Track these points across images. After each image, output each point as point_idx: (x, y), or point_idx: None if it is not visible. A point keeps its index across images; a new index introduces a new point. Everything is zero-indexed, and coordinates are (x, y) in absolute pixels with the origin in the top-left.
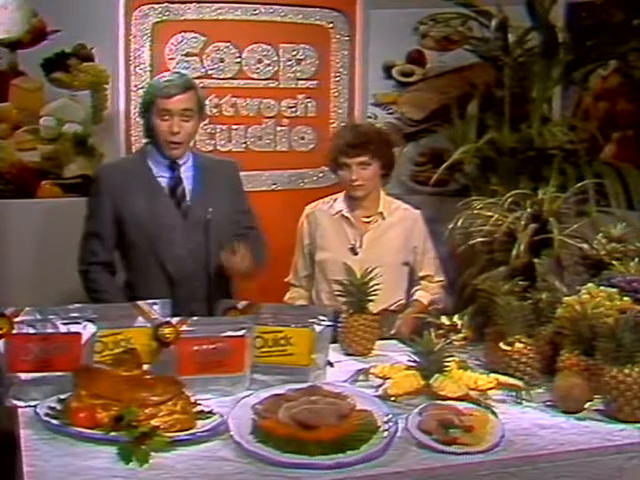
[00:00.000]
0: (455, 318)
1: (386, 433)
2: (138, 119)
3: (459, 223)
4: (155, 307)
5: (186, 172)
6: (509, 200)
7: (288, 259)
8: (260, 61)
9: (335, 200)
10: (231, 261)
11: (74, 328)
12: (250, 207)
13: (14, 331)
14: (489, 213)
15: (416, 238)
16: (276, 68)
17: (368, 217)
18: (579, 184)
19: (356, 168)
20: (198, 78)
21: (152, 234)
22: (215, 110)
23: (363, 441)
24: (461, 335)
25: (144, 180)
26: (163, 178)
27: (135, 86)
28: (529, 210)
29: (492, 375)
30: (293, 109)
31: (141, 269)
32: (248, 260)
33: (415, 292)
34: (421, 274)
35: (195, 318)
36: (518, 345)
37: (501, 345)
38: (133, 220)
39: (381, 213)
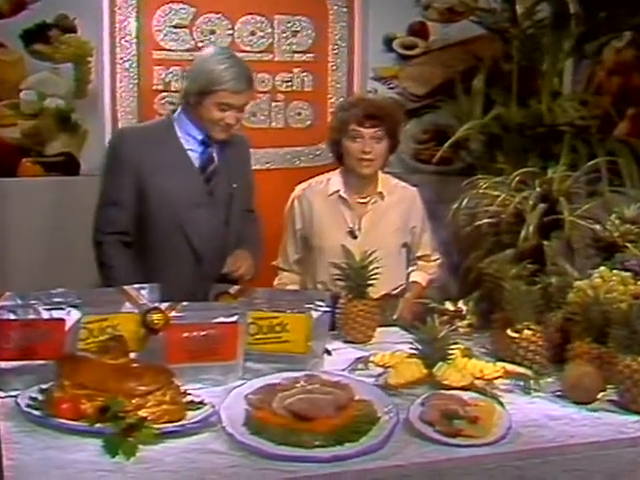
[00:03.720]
0: (460, 304)
1: (386, 424)
2: (124, 94)
3: (464, 203)
4: (143, 292)
5: (215, 149)
6: (517, 179)
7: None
8: (253, 33)
9: (329, 180)
10: (235, 269)
11: (57, 314)
12: (254, 184)
13: None
14: (496, 193)
15: (414, 218)
16: (270, 40)
17: (365, 197)
18: (591, 162)
19: (370, 140)
20: (187, 51)
21: (179, 208)
22: None
23: (362, 433)
24: (466, 322)
25: (173, 151)
26: (193, 153)
27: (121, 59)
28: (538, 190)
29: (499, 364)
30: (289, 83)
31: (165, 246)
32: (251, 267)
33: (412, 273)
34: (418, 254)
35: (185, 303)
36: (526, 332)
37: (508, 332)
38: (158, 193)
39: (380, 193)
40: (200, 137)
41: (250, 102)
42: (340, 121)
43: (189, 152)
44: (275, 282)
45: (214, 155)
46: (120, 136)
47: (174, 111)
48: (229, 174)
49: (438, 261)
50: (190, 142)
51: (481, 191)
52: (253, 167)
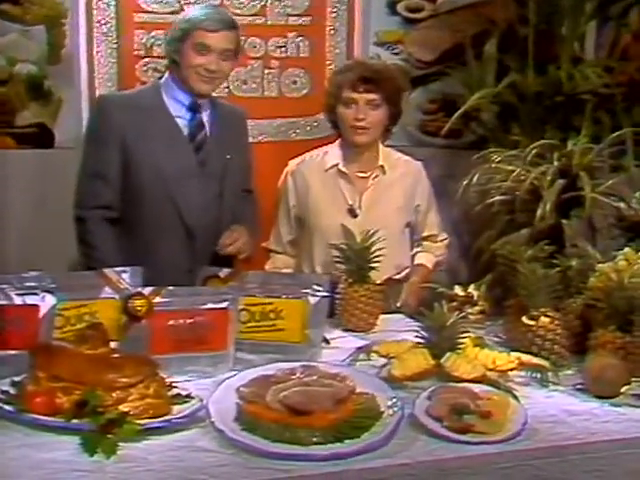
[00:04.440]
0: (470, 288)
1: (390, 420)
2: (102, 59)
3: (475, 179)
4: (124, 275)
5: (206, 116)
6: (533, 152)
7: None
8: None
9: (326, 153)
10: (230, 243)
11: (30, 300)
12: (252, 162)
13: None
14: (510, 167)
15: (420, 195)
16: (263, 2)
17: (365, 172)
18: (615, 134)
19: (364, 106)
20: (172, 13)
21: (167, 180)
22: None
23: (363, 429)
24: (477, 308)
25: (159, 119)
26: (182, 120)
27: (98, 22)
28: (556, 164)
29: (513, 354)
30: (283, 49)
31: (153, 221)
32: (248, 244)
33: (417, 255)
34: (424, 234)
35: (170, 288)
36: (543, 319)
37: (524, 319)
38: (145, 164)
39: (382, 167)
40: (188, 102)
41: (240, 67)
42: (335, 86)
43: (177, 119)
44: (267, 266)
45: (204, 122)
46: (103, 102)
47: (161, 77)
48: (222, 144)
49: (445, 241)
50: (178, 108)
51: (494, 166)
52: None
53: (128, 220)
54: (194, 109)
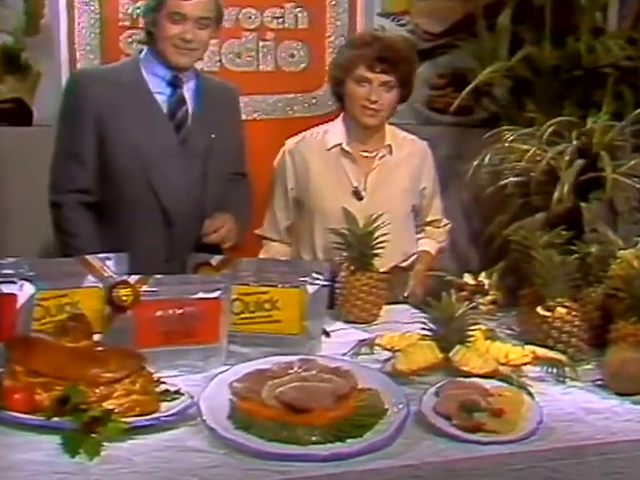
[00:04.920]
0: (481, 277)
1: (395, 418)
2: (83, 30)
3: (486, 160)
4: (108, 262)
5: (188, 92)
6: (550, 130)
7: None
8: None
9: (327, 131)
10: (212, 232)
11: (7, 289)
12: (245, 143)
13: None
14: (525, 147)
15: (426, 177)
16: None
17: (371, 152)
18: (638, 110)
19: (379, 88)
20: None
21: (145, 161)
22: None
23: (366, 427)
24: (489, 298)
25: (138, 95)
26: (161, 95)
27: None
28: (575, 143)
29: (527, 347)
30: (280, 20)
31: (130, 206)
32: (233, 232)
33: (419, 242)
34: (428, 219)
35: (158, 276)
36: (560, 310)
37: (539, 310)
38: (122, 143)
39: (389, 146)
40: (168, 76)
41: (234, 39)
42: (347, 60)
43: (156, 95)
44: (261, 255)
45: (186, 98)
46: (77, 77)
47: (141, 51)
48: (207, 122)
49: (447, 227)
50: (157, 83)
51: (507, 145)
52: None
53: (104, 205)
54: (174, 84)
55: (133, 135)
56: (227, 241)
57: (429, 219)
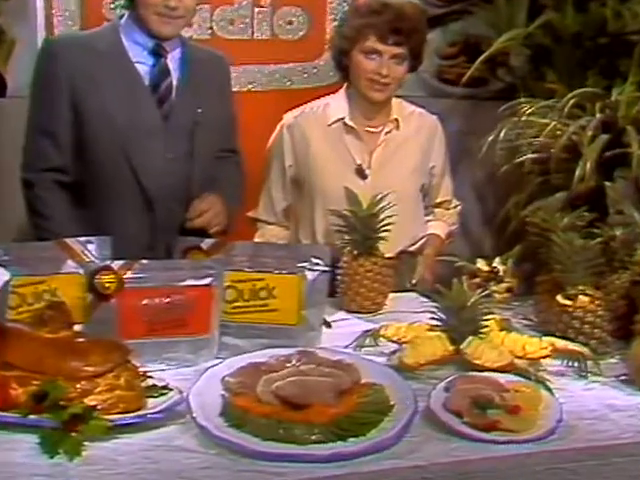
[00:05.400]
0: (495, 262)
1: (401, 415)
2: None
3: (502, 135)
4: (90, 246)
5: (172, 62)
6: (571, 103)
7: None
8: None
9: (328, 104)
10: (197, 216)
11: None
12: (236, 117)
13: None
14: (544, 120)
15: (435, 155)
16: None
17: (376, 127)
18: None
19: (389, 61)
20: None
21: (124, 137)
22: None
23: (370, 425)
24: (504, 285)
25: (117, 64)
26: (143, 65)
27: None
28: (599, 116)
29: (546, 339)
30: None
31: (108, 186)
32: (221, 215)
33: (428, 224)
34: (438, 200)
35: (144, 261)
36: (582, 299)
37: (558, 299)
38: (99, 117)
39: (395, 121)
40: (150, 45)
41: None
42: (354, 29)
43: (137, 65)
44: (256, 239)
45: (169, 68)
46: (50, 45)
47: (122, 16)
48: (193, 95)
49: (458, 208)
50: (138, 52)
51: (524, 119)
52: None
53: (81, 185)
54: (157, 53)
55: (111, 109)
56: (214, 226)
57: (439, 200)
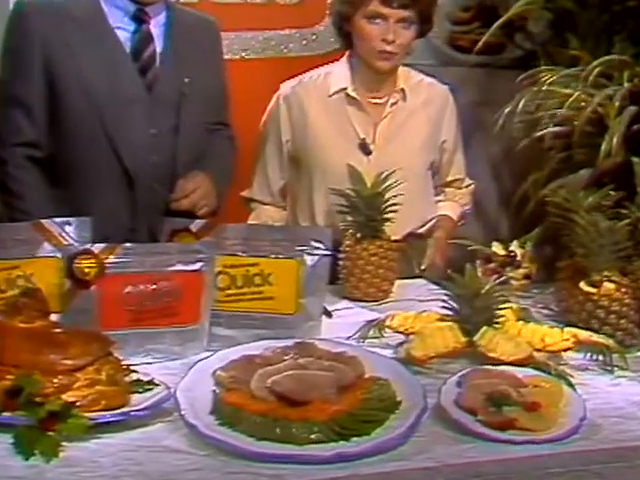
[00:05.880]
0: (513, 246)
1: (409, 412)
2: None
3: (520, 106)
4: (68, 228)
5: (156, 28)
6: (596, 71)
7: None
8: None
9: (329, 73)
10: (183, 196)
11: None
12: (227, 88)
13: None
14: (566, 90)
15: (446, 129)
16: None
17: (381, 98)
18: None
19: (395, 25)
20: None
21: (103, 110)
22: None
23: (375, 423)
24: (521, 271)
25: (95, 30)
26: (124, 31)
27: None
28: (627, 86)
29: (568, 329)
30: None
31: (85, 162)
32: (210, 195)
33: (439, 205)
34: (449, 178)
35: (128, 245)
36: (607, 286)
37: (582, 286)
38: (75, 88)
39: (402, 91)
40: (132, 9)
41: None
42: None
43: (117, 31)
44: (250, 221)
45: (153, 34)
46: (22, 9)
47: None
48: (180, 63)
49: (471, 187)
50: (119, 17)
51: (545, 88)
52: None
53: (56, 162)
54: (140, 18)
55: (89, 79)
56: (202, 207)
57: (450, 178)
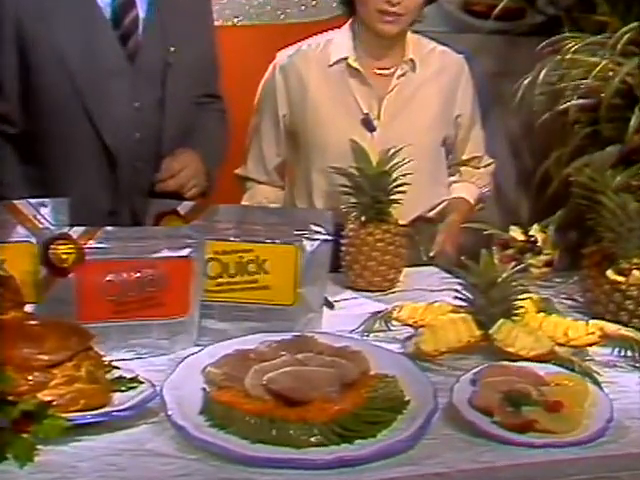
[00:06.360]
0: (533, 230)
1: (418, 412)
2: None
3: (541, 76)
4: (44, 210)
5: None
6: (625, 38)
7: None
8: None
9: (329, 42)
10: (168, 184)
11: None
12: (218, 57)
13: None
14: (593, 59)
15: (461, 102)
16: None
17: (387, 68)
18: None
19: None
20: None
21: (81, 81)
22: None
23: (381, 424)
24: (542, 258)
25: None
26: None
27: None
28: None
29: (593, 322)
30: None
31: (62, 139)
32: (199, 175)
33: (454, 186)
34: (465, 157)
35: (109, 229)
36: (637, 274)
37: (609, 274)
38: (50, 58)
39: (411, 61)
40: None
41: None
42: None
43: None
44: (244, 200)
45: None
46: None
47: None
48: (164, 30)
49: (490, 167)
50: None
51: (569, 57)
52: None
53: (30, 139)
54: None
55: (64, 47)
56: (190, 188)
57: (466, 157)
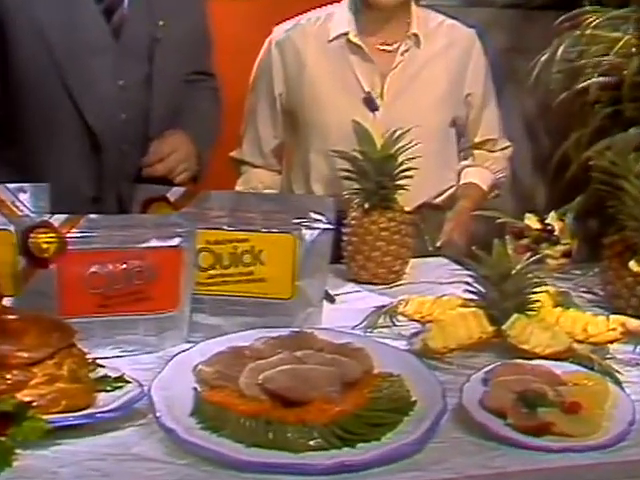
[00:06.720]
0: (550, 218)
1: (426, 414)
2: None
3: (559, 53)
4: (23, 196)
5: None
6: None
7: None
8: None
9: (329, 16)
10: (157, 168)
11: None
12: (210, 32)
13: None
14: (614, 34)
15: (471, 79)
16: None
17: (390, 44)
18: None
19: None
20: None
21: (62, 58)
22: None
23: (385, 427)
24: (560, 248)
25: None
26: None
27: None
28: None
29: (614, 317)
30: None
31: (42, 120)
32: (189, 158)
33: (465, 171)
34: (477, 139)
35: (93, 217)
36: None
37: (631, 266)
38: (29, 34)
39: (415, 36)
40: None
41: None
42: None
43: None
44: (238, 187)
45: None
46: None
47: None
48: (151, 4)
49: (507, 151)
50: None
51: (589, 32)
52: None
53: (7, 121)
54: None
55: (44, 23)
56: (180, 172)
57: (479, 139)
